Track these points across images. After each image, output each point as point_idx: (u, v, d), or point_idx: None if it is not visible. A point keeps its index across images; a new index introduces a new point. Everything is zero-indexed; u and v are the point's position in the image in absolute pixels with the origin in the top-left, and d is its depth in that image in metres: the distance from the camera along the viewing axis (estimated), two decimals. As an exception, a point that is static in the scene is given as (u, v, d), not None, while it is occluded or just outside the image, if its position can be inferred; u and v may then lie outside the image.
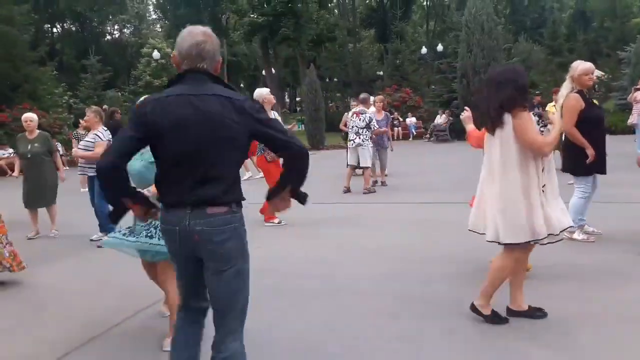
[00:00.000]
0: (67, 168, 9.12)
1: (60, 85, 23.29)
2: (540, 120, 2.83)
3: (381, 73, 29.69)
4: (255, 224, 6.32)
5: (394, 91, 24.18)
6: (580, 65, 4.54)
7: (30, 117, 6.41)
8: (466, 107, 4.14)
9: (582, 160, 4.47)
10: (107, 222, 5.73)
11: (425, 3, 43.90)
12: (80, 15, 42.05)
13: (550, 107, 8.80)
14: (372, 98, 9.96)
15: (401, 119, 22.12)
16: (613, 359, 2.67)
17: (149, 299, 3.74)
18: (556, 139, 3.04)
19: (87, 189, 10.12)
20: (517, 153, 2.87)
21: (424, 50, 29.83)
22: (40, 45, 26.19)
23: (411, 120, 22.42)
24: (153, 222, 2.77)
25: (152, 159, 2.12)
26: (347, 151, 9.97)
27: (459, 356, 2.78)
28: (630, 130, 12.68)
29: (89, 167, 6.02)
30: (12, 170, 12.25)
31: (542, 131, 3.03)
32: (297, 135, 14.65)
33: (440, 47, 27.50)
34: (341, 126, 10.28)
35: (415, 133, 22.14)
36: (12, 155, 15.08)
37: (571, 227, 3.14)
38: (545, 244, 3.02)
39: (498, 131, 2.91)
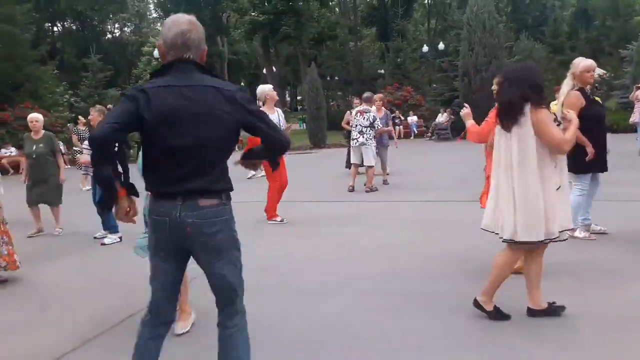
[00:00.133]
0: (69, 166, 9.15)
1: (61, 84, 23.32)
2: (555, 119, 2.86)
3: (382, 71, 29.65)
4: (258, 222, 6.34)
5: (395, 90, 24.15)
6: (581, 62, 4.54)
7: (35, 118, 6.45)
8: (465, 104, 4.20)
9: (581, 158, 4.47)
10: (110, 220, 5.77)
11: (426, 1, 43.81)
12: (80, 14, 42.10)
13: (552, 105, 8.79)
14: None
15: (402, 118, 22.09)
16: (613, 356, 2.67)
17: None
18: (574, 136, 3.00)
19: (87, 188, 10.22)
20: (535, 150, 2.87)
21: (425, 48, 29.80)
22: (42, 44, 26.20)
23: (412, 118, 22.39)
24: None
25: None
26: (348, 150, 10.00)
27: (461, 353, 2.78)
28: (632, 129, 12.68)
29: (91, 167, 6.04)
30: (14, 169, 12.33)
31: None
32: (299, 134, 14.70)
33: (441, 46, 27.45)
34: (344, 124, 10.28)
35: (416, 132, 22.12)
36: (13, 154, 15.14)
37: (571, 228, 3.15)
38: (547, 242, 3.02)
39: (515, 128, 2.90)
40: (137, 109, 1.93)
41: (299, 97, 52.38)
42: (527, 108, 2.87)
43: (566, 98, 4.50)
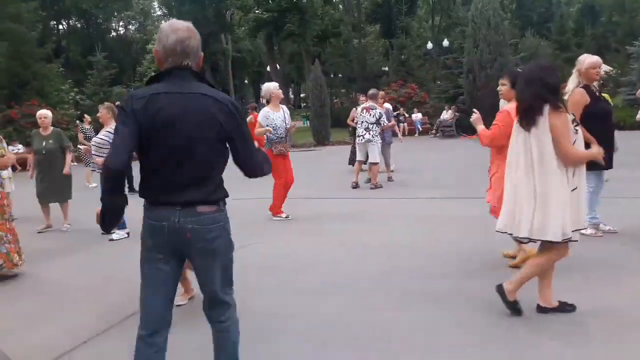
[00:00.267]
0: (75, 164, 9.20)
1: (66, 82, 23.45)
2: (574, 120, 2.84)
3: (386, 69, 29.57)
4: (262, 219, 6.37)
5: (400, 87, 24.11)
6: (587, 59, 4.53)
7: (44, 114, 6.51)
8: (474, 110, 4.23)
9: None
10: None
11: (430, -2, 43.61)
12: (85, 12, 42.21)
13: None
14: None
15: (407, 115, 22.06)
16: (619, 351, 2.68)
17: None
18: (588, 158, 2.99)
19: (93, 184, 10.31)
20: (553, 151, 2.87)
21: (429, 45, 29.68)
22: (47, 42, 26.32)
23: (417, 116, 22.35)
24: None
25: None
26: (352, 147, 10.02)
27: (468, 347, 2.80)
28: (639, 126, 12.61)
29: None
30: (21, 166, 12.40)
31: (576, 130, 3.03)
32: (302, 131, 14.69)
33: (446, 43, 27.35)
34: (349, 121, 10.30)
35: (421, 129, 22.08)
36: (21, 151, 15.23)
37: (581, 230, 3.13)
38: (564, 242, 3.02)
39: (534, 129, 2.90)
40: (136, 123, 1.93)
41: (302, 95, 52.34)
42: (546, 109, 2.86)
43: (570, 95, 4.49)
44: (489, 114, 4.05)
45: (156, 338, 2.09)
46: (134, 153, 2.02)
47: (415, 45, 28.81)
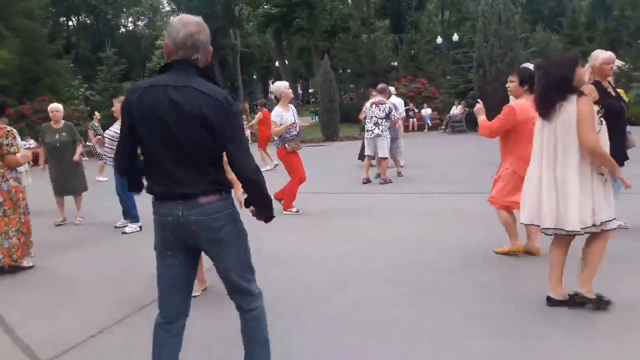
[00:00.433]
0: (86, 159, 9.31)
1: (76, 78, 23.63)
2: (599, 112, 2.87)
3: (396, 64, 29.44)
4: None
5: (409, 82, 24.00)
6: (601, 55, 4.50)
7: (56, 108, 6.60)
8: (478, 100, 4.31)
9: None
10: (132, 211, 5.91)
11: (440, -8, 43.28)
12: (95, 8, 42.44)
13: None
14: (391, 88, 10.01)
15: (416, 110, 21.97)
16: (629, 343, 2.69)
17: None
18: (607, 160, 2.93)
19: (102, 178, 10.47)
20: (576, 142, 2.89)
21: (439, 40, 29.52)
22: (58, 38, 26.53)
23: (426, 111, 22.24)
24: None
25: None
26: (362, 142, 10.01)
27: (479, 339, 2.82)
28: (651, 121, 12.47)
29: (110, 158, 6.14)
30: (33, 161, 12.56)
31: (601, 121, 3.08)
32: (311, 126, 14.56)
33: (455, 37, 27.18)
34: (361, 116, 10.30)
35: (430, 124, 21.97)
36: (32, 146, 15.40)
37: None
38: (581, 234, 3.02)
39: (559, 119, 2.91)
40: (132, 117, 2.03)
41: (311, 90, 52.28)
42: (574, 97, 2.88)
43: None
44: (499, 108, 4.10)
45: (173, 325, 2.17)
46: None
47: (424, 40, 28.66)
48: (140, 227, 5.89)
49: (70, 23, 44.56)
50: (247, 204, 2.19)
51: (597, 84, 4.48)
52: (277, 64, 38.24)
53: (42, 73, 19.68)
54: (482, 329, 2.95)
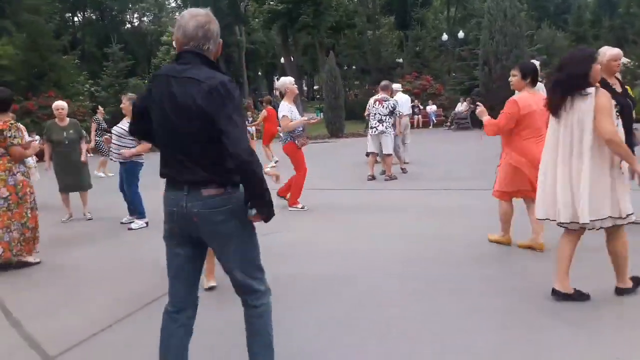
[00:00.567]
0: (91, 155, 9.35)
1: (82, 74, 23.69)
2: (616, 105, 2.91)
3: (401, 60, 29.36)
4: (279, 209, 6.41)
5: (414, 79, 23.95)
6: (608, 51, 4.49)
7: (61, 105, 6.62)
8: (478, 102, 4.40)
9: None
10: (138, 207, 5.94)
11: (446, -11, 43.08)
12: (100, 4, 42.52)
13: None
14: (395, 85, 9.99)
15: (421, 107, 21.93)
16: (634, 337, 2.70)
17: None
18: (626, 152, 2.92)
19: (101, 173, 10.54)
20: (591, 138, 2.90)
21: (444, 37, 29.40)
22: (63, 34, 26.59)
23: (432, 108, 22.21)
24: None
25: None
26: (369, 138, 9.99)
27: (486, 332, 2.83)
28: (658, 119, 12.39)
29: (117, 154, 6.17)
30: (37, 157, 12.62)
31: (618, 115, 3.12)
32: (316, 124, 14.33)
33: (461, 34, 27.07)
34: (366, 114, 10.29)
35: (435, 121, 21.94)
36: (37, 142, 15.50)
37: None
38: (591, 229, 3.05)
39: (577, 112, 2.92)
40: (145, 102, 2.15)
41: (316, 87, 52.22)
42: (592, 90, 2.90)
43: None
44: (504, 104, 4.13)
45: (181, 315, 2.19)
46: None
47: (430, 36, 28.53)
48: (147, 223, 5.92)
49: (76, 19, 44.66)
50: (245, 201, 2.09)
51: (604, 81, 4.47)
52: (282, 60, 38.16)
53: (48, 69, 19.76)
54: (488, 322, 2.97)
